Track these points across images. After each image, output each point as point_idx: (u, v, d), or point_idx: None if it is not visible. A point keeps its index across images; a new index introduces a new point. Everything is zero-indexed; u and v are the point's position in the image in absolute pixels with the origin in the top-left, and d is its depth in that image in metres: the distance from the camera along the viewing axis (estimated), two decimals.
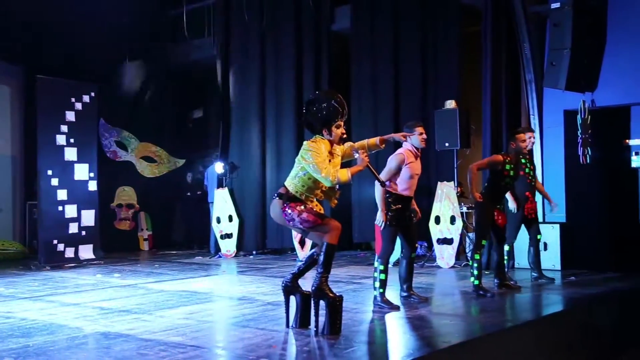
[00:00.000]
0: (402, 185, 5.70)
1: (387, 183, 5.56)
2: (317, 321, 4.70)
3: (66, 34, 11.19)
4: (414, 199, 5.90)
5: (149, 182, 12.90)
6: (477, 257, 6.31)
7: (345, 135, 4.79)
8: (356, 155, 4.81)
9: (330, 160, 4.73)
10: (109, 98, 11.48)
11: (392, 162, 5.73)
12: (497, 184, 6.54)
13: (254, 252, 11.10)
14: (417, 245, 6.00)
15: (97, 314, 5.66)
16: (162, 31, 13.01)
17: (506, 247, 6.91)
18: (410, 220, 5.84)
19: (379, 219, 5.57)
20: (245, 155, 11.54)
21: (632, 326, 6.49)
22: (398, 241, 5.89)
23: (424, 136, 5.83)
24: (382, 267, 5.56)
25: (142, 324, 5.15)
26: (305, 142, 4.76)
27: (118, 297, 6.65)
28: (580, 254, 8.18)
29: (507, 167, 6.50)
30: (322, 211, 4.78)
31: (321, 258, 4.69)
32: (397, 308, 5.50)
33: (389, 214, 5.61)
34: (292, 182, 4.73)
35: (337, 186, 4.73)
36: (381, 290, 5.56)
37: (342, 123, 4.75)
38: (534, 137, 7.08)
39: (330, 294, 4.65)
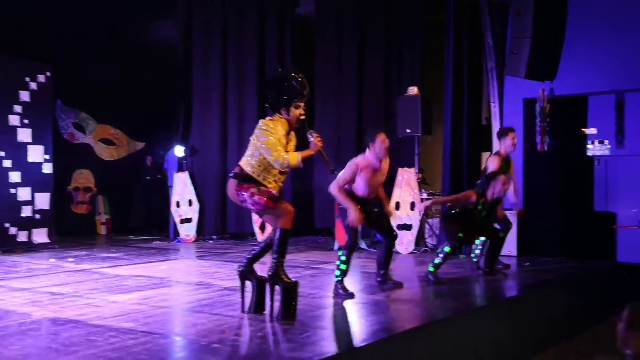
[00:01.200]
0: (359, 191, 5.66)
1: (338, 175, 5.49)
2: (272, 306, 4.65)
3: (20, 11, 10.83)
4: (382, 191, 5.92)
5: (107, 165, 12.66)
6: (447, 249, 6.31)
7: (303, 117, 4.68)
8: (310, 139, 4.70)
9: (287, 143, 4.66)
10: (66, 79, 11.16)
11: (347, 168, 5.64)
12: (469, 215, 6.46)
13: (214, 237, 11.00)
14: (395, 233, 5.97)
15: (47, 299, 5.51)
16: (122, 10, 12.70)
17: (482, 238, 6.95)
18: (377, 213, 5.81)
19: (352, 218, 5.47)
20: (206, 139, 11.39)
21: (583, 310, 6.62)
22: None
23: (387, 143, 5.68)
24: (344, 258, 5.54)
25: (93, 310, 5.03)
26: (261, 121, 4.66)
27: (71, 282, 6.49)
28: (536, 241, 8.31)
29: (479, 207, 6.43)
30: (277, 194, 4.69)
31: (275, 243, 4.64)
32: (352, 295, 5.48)
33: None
34: (247, 162, 4.64)
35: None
36: (340, 278, 5.54)
37: (301, 104, 4.65)
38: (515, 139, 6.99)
39: (286, 279, 4.60)
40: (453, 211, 6.46)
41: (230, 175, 4.72)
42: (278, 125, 4.60)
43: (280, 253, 4.64)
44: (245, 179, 4.61)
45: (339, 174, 5.61)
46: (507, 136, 6.94)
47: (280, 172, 4.68)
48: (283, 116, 4.66)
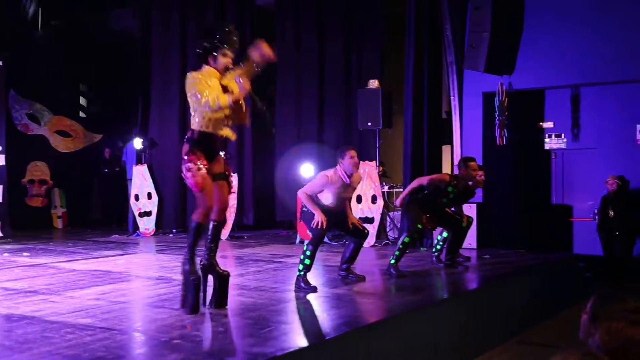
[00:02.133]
0: (326, 201, 5.68)
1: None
2: (183, 297, 4.58)
3: None
4: (349, 205, 5.97)
5: (63, 157, 12.36)
6: (406, 240, 6.35)
7: (230, 66, 4.58)
8: (237, 81, 4.55)
9: (226, 93, 4.52)
10: (19, 68, 10.86)
11: (317, 180, 5.66)
12: (434, 199, 6.54)
13: (174, 231, 10.85)
14: (365, 231, 5.98)
15: (0, 295, 5.35)
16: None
17: (445, 234, 7.01)
18: (342, 218, 5.81)
19: (317, 219, 5.45)
20: (165, 131, 11.21)
21: (542, 302, 6.75)
22: None
23: (356, 160, 5.70)
24: (309, 253, 5.52)
25: (49, 306, 4.90)
26: (188, 74, 4.57)
27: (25, 277, 6.30)
28: (496, 233, 8.44)
29: (450, 189, 6.51)
30: (233, 137, 4.63)
31: (189, 234, 4.62)
32: (314, 289, 5.47)
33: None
34: (195, 121, 4.53)
35: (244, 105, 4.59)
36: (302, 272, 5.52)
37: (229, 52, 4.55)
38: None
39: (190, 273, 4.51)
40: (420, 195, 6.51)
41: (183, 140, 4.65)
42: (205, 75, 4.51)
43: (188, 245, 4.58)
44: (195, 144, 4.50)
45: (308, 183, 5.67)
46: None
47: (226, 117, 4.56)
48: (211, 65, 4.57)
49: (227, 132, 4.60)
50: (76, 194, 12.52)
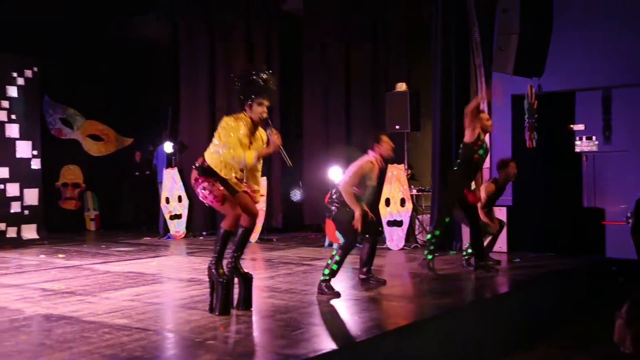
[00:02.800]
0: (364, 190, 5.67)
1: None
2: (211, 301, 4.68)
3: (6, 6, 10.73)
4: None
5: (95, 161, 12.60)
6: (437, 233, 6.38)
7: (266, 116, 4.65)
8: (270, 136, 4.63)
9: (251, 143, 4.65)
10: (53, 74, 11.10)
11: (357, 168, 5.61)
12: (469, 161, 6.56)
13: (204, 233, 10.98)
14: (380, 229, 6.02)
15: (39, 296, 5.50)
16: (109, 6, 12.62)
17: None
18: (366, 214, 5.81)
19: (357, 220, 5.42)
20: (194, 135, 11.35)
21: (572, 306, 6.70)
22: None
23: (391, 143, 5.77)
24: (338, 259, 5.46)
25: (86, 306, 5.03)
26: (224, 118, 4.66)
27: (62, 279, 6.47)
28: (526, 237, 8.37)
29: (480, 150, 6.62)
30: (240, 188, 4.67)
31: (216, 239, 4.72)
32: (338, 295, 5.42)
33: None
34: (210, 155, 4.64)
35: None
36: (327, 278, 5.51)
37: (265, 102, 4.62)
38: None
39: (218, 276, 4.61)
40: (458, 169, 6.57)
41: (193, 165, 4.75)
42: (240, 123, 4.60)
43: (215, 250, 4.69)
44: (204, 172, 4.63)
45: (346, 178, 5.61)
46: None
47: (241, 169, 4.68)
48: (247, 112, 4.66)
49: (234, 182, 4.67)
50: (108, 197, 12.75)
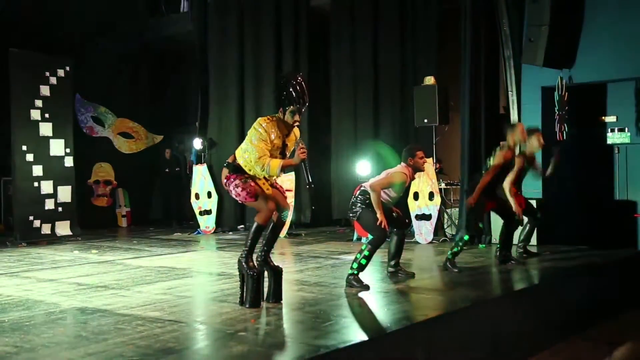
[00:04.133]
0: (386, 197, 5.70)
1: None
2: (241, 294, 4.73)
3: (40, 6, 10.95)
4: None
5: (126, 158, 12.78)
6: (466, 238, 6.35)
7: (297, 124, 4.72)
8: (296, 147, 4.68)
9: (284, 145, 4.72)
10: (84, 73, 11.29)
11: (390, 177, 5.66)
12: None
13: (236, 228, 11.07)
14: (408, 221, 6.06)
15: (74, 290, 5.62)
16: (140, 5, 12.80)
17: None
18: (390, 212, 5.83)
19: (381, 220, 5.43)
20: (224, 132, 11.47)
21: (604, 299, 6.62)
22: None
23: (425, 159, 5.88)
24: (367, 253, 5.49)
25: (119, 300, 5.13)
26: (259, 119, 4.71)
27: (95, 273, 6.60)
28: (557, 230, 8.28)
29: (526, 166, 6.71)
30: (268, 190, 4.73)
31: (248, 234, 4.75)
32: (367, 287, 5.44)
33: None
34: (242, 155, 4.70)
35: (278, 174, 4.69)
36: (356, 272, 5.53)
37: (297, 113, 4.67)
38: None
39: (248, 269, 4.66)
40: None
41: (224, 164, 4.80)
42: (274, 126, 4.66)
43: (247, 243, 4.72)
44: (235, 170, 4.70)
45: (378, 179, 5.66)
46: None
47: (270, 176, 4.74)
48: (281, 116, 4.73)
49: (262, 181, 4.72)
50: (139, 194, 12.93)
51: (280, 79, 4.86)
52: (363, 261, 5.51)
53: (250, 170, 4.68)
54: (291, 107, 4.66)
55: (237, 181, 4.66)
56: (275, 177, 4.79)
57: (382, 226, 5.44)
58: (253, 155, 4.60)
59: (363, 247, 5.56)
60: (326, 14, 11.10)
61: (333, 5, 10.93)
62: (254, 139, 4.62)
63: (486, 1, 8.88)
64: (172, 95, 13.36)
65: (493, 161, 6.51)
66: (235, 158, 4.74)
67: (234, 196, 4.75)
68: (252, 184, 4.66)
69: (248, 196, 4.64)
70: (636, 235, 8.19)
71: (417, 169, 5.80)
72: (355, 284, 5.49)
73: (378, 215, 5.46)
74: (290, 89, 4.65)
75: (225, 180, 4.76)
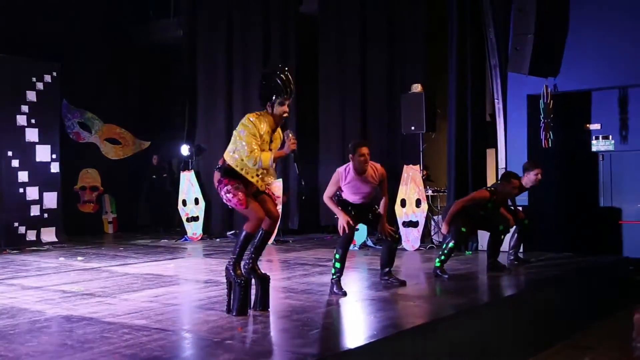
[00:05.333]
0: (348, 198, 5.70)
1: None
2: (228, 301, 4.72)
3: (25, 11, 10.90)
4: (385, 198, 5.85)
5: (113, 164, 12.72)
6: (451, 245, 6.38)
7: (286, 115, 4.70)
8: (286, 138, 4.69)
9: (271, 141, 4.70)
10: (71, 78, 11.25)
11: (332, 178, 5.67)
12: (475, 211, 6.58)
13: (225, 234, 11.05)
14: (396, 236, 5.99)
15: (59, 298, 5.58)
16: (127, 11, 12.77)
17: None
18: (374, 216, 5.80)
19: (341, 225, 5.47)
20: (211, 138, 11.45)
21: (589, 306, 6.67)
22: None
23: (366, 158, 5.54)
24: (338, 256, 5.53)
25: (105, 307, 5.10)
26: (247, 115, 4.68)
27: (81, 281, 6.56)
28: (543, 237, 8.34)
29: (489, 205, 6.57)
30: (261, 187, 4.72)
31: (236, 242, 4.74)
32: (344, 294, 5.46)
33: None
34: (231, 156, 4.66)
35: (271, 168, 4.69)
36: (335, 276, 5.55)
37: (286, 102, 4.67)
38: (540, 175, 6.92)
39: (236, 277, 4.65)
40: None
41: (216, 167, 4.78)
42: (262, 122, 4.63)
43: (236, 251, 4.71)
44: (227, 173, 4.67)
45: (328, 186, 5.66)
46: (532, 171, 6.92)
47: (261, 171, 4.71)
48: (269, 111, 4.71)
49: (255, 179, 4.70)
50: (125, 200, 12.87)
51: (266, 72, 4.83)
52: (337, 264, 5.53)
53: (242, 169, 4.63)
54: (279, 98, 4.64)
55: (229, 187, 4.63)
56: (267, 172, 4.74)
57: (341, 228, 5.47)
58: (243, 152, 4.56)
59: (335, 252, 5.60)
60: (315, 20, 11.13)
61: (322, 12, 10.96)
62: (243, 135, 4.57)
63: (473, 10, 8.96)
64: (159, 102, 13.33)
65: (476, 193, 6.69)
66: (224, 160, 4.71)
67: (225, 201, 4.73)
68: (244, 190, 4.62)
69: (239, 203, 4.62)
70: (621, 241, 8.26)
71: (356, 169, 5.53)
72: (335, 290, 5.53)
73: (340, 218, 5.47)
74: (277, 79, 4.64)
75: (217, 184, 4.73)
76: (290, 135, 4.68)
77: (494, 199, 6.55)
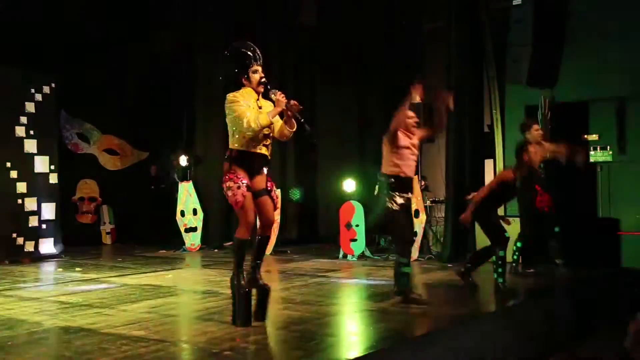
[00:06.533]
0: (406, 167, 5.95)
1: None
2: (233, 311, 4.71)
3: (23, 22, 10.91)
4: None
5: (111, 175, 12.70)
6: (501, 254, 6.30)
7: (264, 80, 4.69)
8: (273, 97, 4.66)
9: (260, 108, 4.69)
10: (70, 89, 11.24)
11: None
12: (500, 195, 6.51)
13: (221, 245, 11.02)
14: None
15: (57, 309, 5.57)
16: (125, 20, 12.79)
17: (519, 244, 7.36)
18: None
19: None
20: (210, 148, 11.45)
21: (588, 317, 6.66)
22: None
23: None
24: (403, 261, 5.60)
25: (103, 318, 5.08)
26: (227, 95, 4.68)
27: (79, 292, 6.54)
28: (540, 247, 8.32)
29: (518, 184, 6.51)
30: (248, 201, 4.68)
31: (233, 251, 4.76)
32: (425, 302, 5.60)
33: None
34: (235, 139, 4.65)
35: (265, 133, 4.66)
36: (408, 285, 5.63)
37: (258, 68, 4.68)
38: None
39: (239, 287, 4.64)
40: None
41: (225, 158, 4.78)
42: (245, 95, 4.66)
43: (235, 262, 4.71)
44: (235, 160, 4.64)
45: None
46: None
47: (265, 136, 4.68)
48: (247, 85, 4.71)
49: (264, 150, 4.72)
50: (124, 211, 12.83)
51: (225, 53, 4.81)
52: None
53: (248, 147, 4.60)
54: (250, 66, 4.65)
55: (230, 183, 4.62)
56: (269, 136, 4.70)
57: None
58: (241, 125, 4.55)
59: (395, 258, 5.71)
60: (313, 32, 11.18)
61: (319, 24, 11.01)
62: (234, 110, 4.57)
63: (470, 21, 9.00)
64: (158, 112, 13.32)
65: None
66: (231, 150, 4.70)
67: (227, 198, 4.71)
68: (244, 192, 4.59)
69: (234, 204, 4.62)
70: (619, 252, 8.25)
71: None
72: (415, 296, 5.60)
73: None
74: (239, 50, 4.68)
75: (223, 177, 4.70)
76: (275, 91, 4.65)
77: (520, 175, 6.47)
